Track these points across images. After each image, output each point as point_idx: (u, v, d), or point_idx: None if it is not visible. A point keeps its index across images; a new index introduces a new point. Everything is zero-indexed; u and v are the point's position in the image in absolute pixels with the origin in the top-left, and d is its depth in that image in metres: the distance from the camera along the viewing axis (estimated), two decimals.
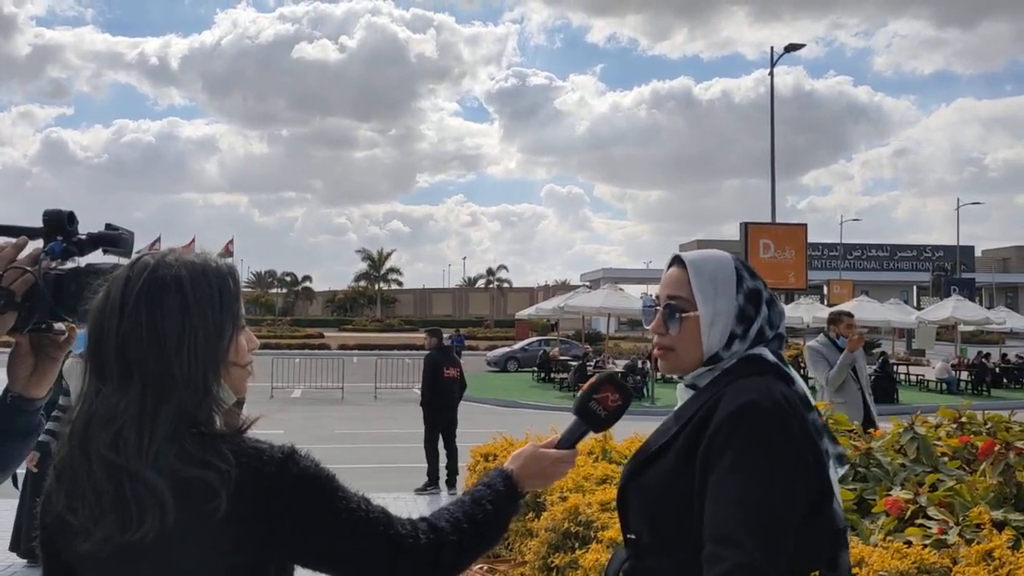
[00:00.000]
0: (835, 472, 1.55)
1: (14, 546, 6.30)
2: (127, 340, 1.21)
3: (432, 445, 9.82)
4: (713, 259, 1.65)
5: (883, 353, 26.17)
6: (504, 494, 1.46)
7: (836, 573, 1.55)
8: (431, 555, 1.31)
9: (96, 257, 1.52)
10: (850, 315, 6.96)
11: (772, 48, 25.92)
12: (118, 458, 1.17)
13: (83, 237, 1.49)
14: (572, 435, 1.59)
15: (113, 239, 1.50)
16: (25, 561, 6.11)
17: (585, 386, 1.61)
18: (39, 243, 1.48)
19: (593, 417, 1.58)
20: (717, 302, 1.59)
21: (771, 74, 25.79)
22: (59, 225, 1.46)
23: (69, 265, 1.46)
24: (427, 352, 10.60)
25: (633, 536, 1.59)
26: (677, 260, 1.66)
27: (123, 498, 1.16)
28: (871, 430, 4.91)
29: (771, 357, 1.59)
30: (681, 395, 1.65)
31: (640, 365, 22.57)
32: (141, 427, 1.18)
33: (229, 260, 1.33)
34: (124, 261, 1.43)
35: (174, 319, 1.22)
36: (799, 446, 1.45)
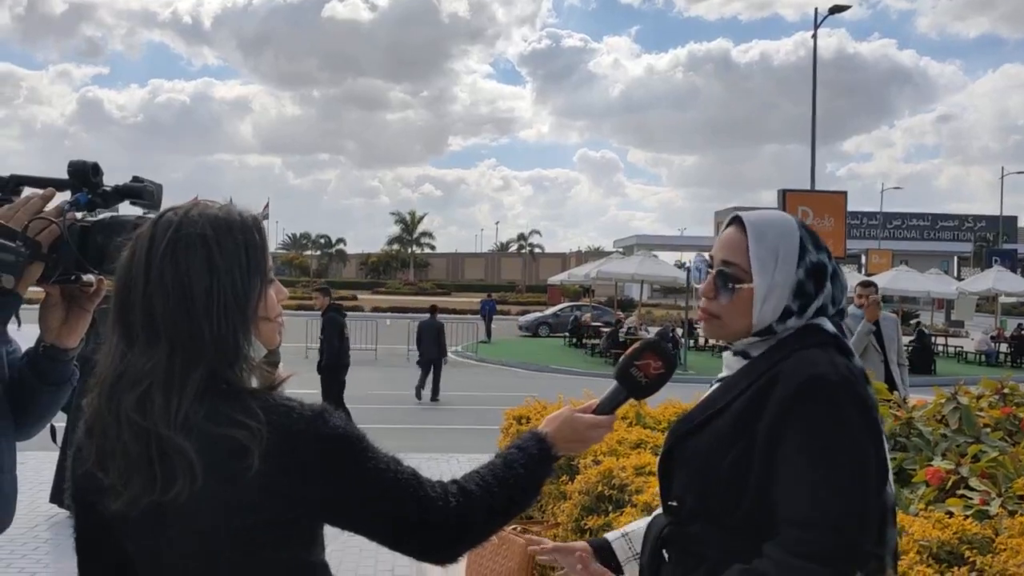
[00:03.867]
0: (887, 450, 1.50)
1: (55, 497, 6.48)
2: (154, 301, 1.19)
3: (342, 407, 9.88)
4: (776, 225, 1.52)
5: (919, 323, 25.76)
6: (537, 457, 1.43)
7: (884, 548, 1.48)
8: (461, 519, 1.30)
9: (124, 209, 1.52)
10: (872, 283, 6.84)
11: (816, 9, 25.24)
12: (145, 421, 1.16)
13: (108, 189, 1.49)
14: (611, 401, 1.55)
15: (138, 191, 1.50)
16: (68, 512, 6.29)
17: (628, 352, 1.56)
18: (67, 195, 1.48)
19: (634, 384, 1.54)
20: (775, 275, 1.48)
21: (814, 36, 25.14)
22: (84, 176, 1.46)
23: (95, 217, 1.46)
24: (324, 312, 10.15)
25: (675, 503, 1.53)
26: (737, 220, 1.55)
27: (150, 461, 1.15)
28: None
29: (830, 327, 1.50)
30: (729, 363, 1.57)
31: (672, 333, 22.49)
32: (169, 390, 1.16)
33: (254, 212, 1.30)
34: (151, 214, 1.43)
35: (201, 278, 1.19)
36: (869, 419, 1.39)
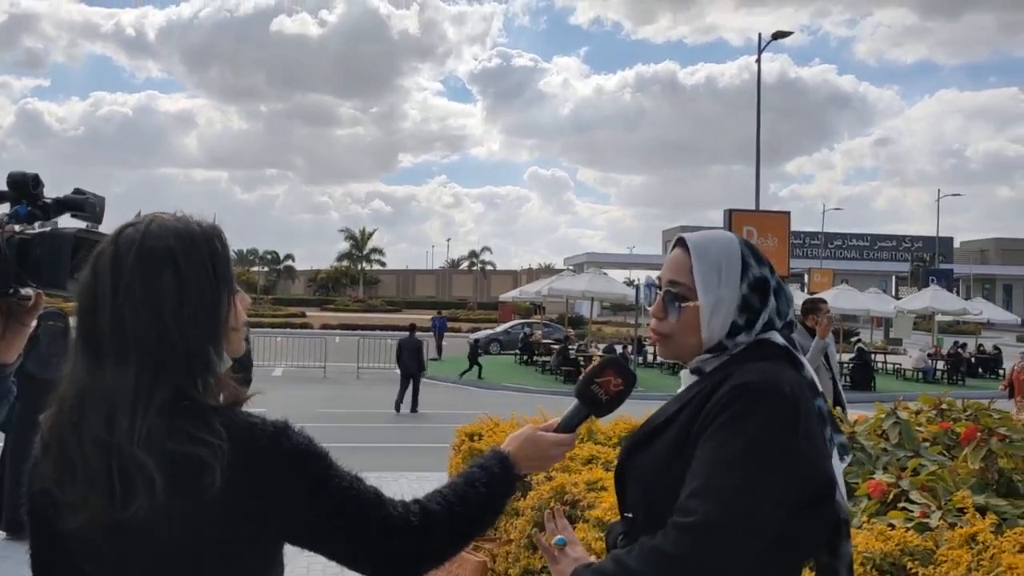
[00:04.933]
0: (839, 462, 1.51)
1: None
2: (123, 318, 1.17)
3: None
4: (718, 244, 1.56)
5: (859, 341, 26.40)
6: (499, 476, 1.44)
7: (837, 561, 1.51)
8: (422, 538, 1.30)
9: (65, 222, 1.49)
10: (824, 302, 6.96)
11: (760, 35, 25.91)
12: (111, 438, 1.14)
13: (48, 201, 1.46)
14: (572, 419, 1.57)
15: (79, 203, 1.47)
16: (4, 534, 6.06)
17: (588, 369, 1.58)
18: (5, 207, 1.45)
19: (594, 401, 1.55)
20: (719, 291, 1.52)
21: (758, 61, 25.78)
22: (23, 188, 1.43)
23: (35, 229, 1.43)
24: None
25: (630, 515, 1.55)
26: (681, 242, 1.59)
27: (111, 476, 1.13)
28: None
29: (780, 340, 1.54)
30: (685, 379, 1.61)
31: (622, 350, 22.67)
32: (136, 406, 1.15)
33: (215, 224, 1.29)
34: (93, 226, 1.40)
35: (172, 293, 1.19)
36: (802, 431, 1.40)
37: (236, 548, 1.19)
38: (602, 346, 24.54)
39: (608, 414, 1.61)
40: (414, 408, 15.45)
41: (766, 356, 1.50)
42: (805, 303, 6.86)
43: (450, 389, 19.84)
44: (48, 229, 1.44)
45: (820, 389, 1.55)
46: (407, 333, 16.29)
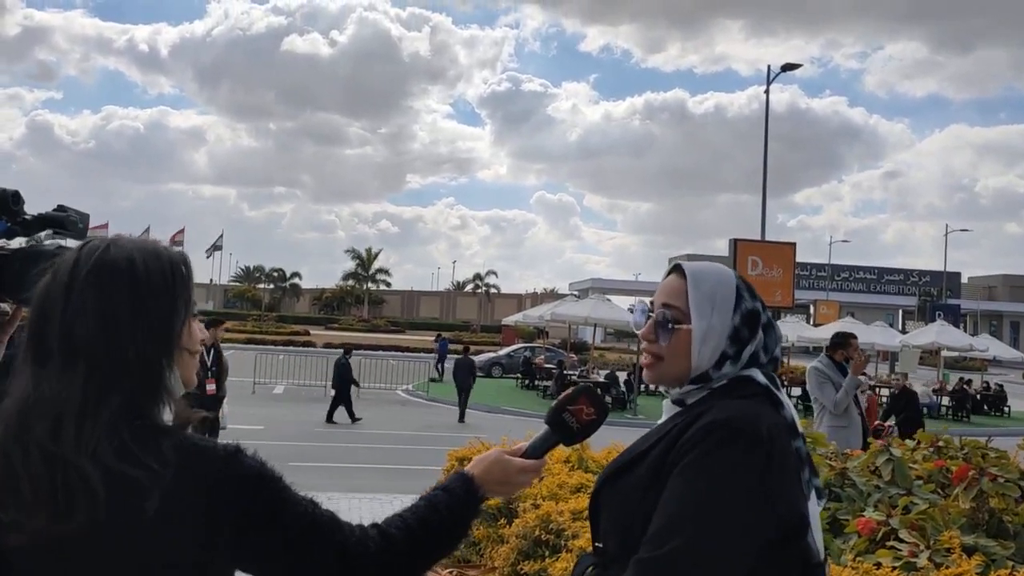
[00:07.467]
0: (815, 505, 1.50)
1: None
2: (74, 323, 1.16)
3: None
4: (714, 273, 1.58)
5: (865, 375, 26.25)
6: (463, 499, 1.42)
7: None
8: (381, 563, 1.28)
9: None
10: (854, 336, 6.78)
11: (769, 67, 25.99)
12: (57, 447, 1.12)
13: (29, 217, 1.46)
14: (541, 445, 1.55)
15: (60, 220, 1.47)
16: None
17: (561, 396, 1.56)
18: None
19: (565, 429, 1.54)
20: (712, 319, 1.53)
21: (767, 92, 25.88)
22: (3, 204, 1.43)
23: (14, 245, 1.43)
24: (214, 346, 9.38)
25: (601, 545, 1.54)
26: (677, 268, 1.61)
27: (55, 488, 1.11)
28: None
29: (762, 379, 1.53)
30: (667, 410, 1.60)
31: (627, 377, 22.59)
32: (83, 415, 1.13)
33: (182, 250, 1.29)
34: (73, 242, 1.41)
35: (124, 301, 1.17)
36: (770, 472, 1.38)
37: (185, 571, 1.16)
38: (604, 372, 24.44)
39: (578, 443, 1.59)
40: (461, 418, 18.03)
41: (746, 394, 1.50)
42: (835, 336, 6.61)
43: (450, 411, 19.75)
44: (28, 245, 1.45)
45: (800, 430, 1.53)
46: (461, 355, 19.47)
